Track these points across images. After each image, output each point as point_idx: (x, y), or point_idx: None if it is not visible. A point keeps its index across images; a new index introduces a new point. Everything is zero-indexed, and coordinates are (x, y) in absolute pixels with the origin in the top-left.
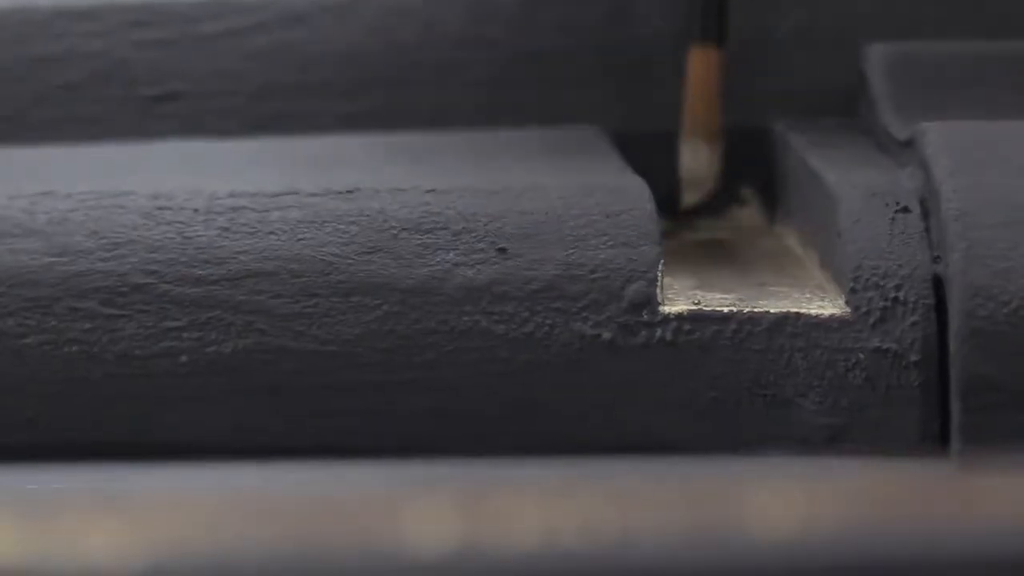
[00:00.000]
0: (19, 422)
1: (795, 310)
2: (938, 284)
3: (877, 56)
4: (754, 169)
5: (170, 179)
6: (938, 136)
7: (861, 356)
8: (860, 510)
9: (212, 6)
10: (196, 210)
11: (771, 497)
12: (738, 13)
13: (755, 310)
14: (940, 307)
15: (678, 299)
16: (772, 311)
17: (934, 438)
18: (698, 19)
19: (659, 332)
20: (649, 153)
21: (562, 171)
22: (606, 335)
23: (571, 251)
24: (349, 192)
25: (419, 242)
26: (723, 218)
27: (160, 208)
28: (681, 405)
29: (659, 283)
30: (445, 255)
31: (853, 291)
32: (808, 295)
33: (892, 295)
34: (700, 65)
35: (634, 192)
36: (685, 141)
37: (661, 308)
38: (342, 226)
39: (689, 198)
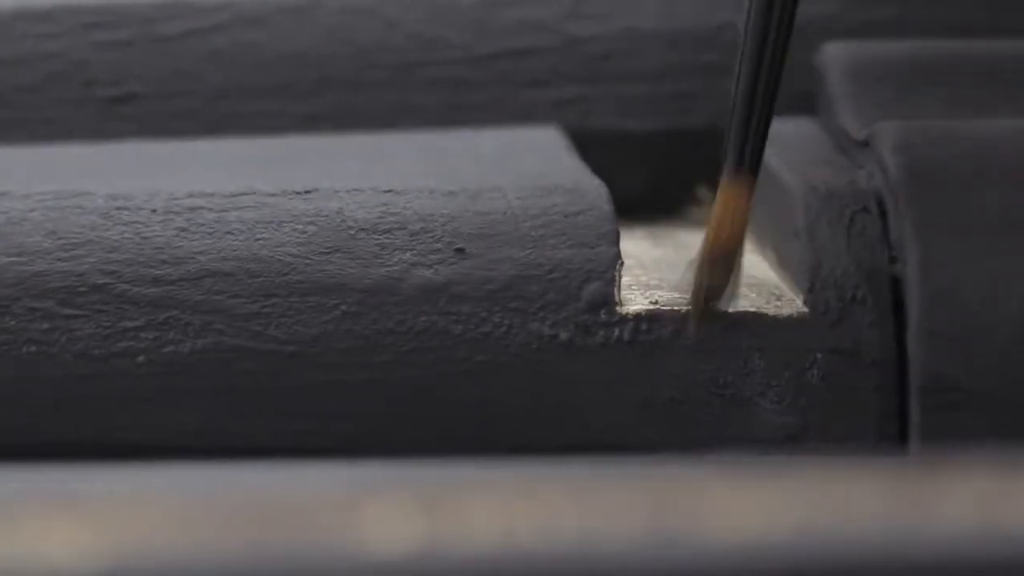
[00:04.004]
0: None
1: (753, 310)
2: (896, 284)
3: (834, 55)
4: (712, 169)
5: (128, 180)
6: (896, 136)
7: (819, 356)
8: (818, 509)
9: (170, 7)
10: (154, 210)
11: (730, 496)
12: (694, 12)
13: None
14: (898, 307)
15: (636, 299)
16: (730, 311)
17: (892, 438)
18: (740, 150)
19: (617, 332)
20: (608, 153)
21: (520, 171)
22: (564, 335)
23: (529, 251)
24: (307, 192)
25: (377, 242)
26: (681, 218)
27: (118, 208)
28: (639, 405)
29: (617, 283)
30: (403, 255)
31: (811, 291)
32: (766, 295)
33: (850, 295)
34: (736, 196)
35: (592, 193)
36: (699, 267)
37: (619, 308)
38: (300, 226)
39: (698, 323)
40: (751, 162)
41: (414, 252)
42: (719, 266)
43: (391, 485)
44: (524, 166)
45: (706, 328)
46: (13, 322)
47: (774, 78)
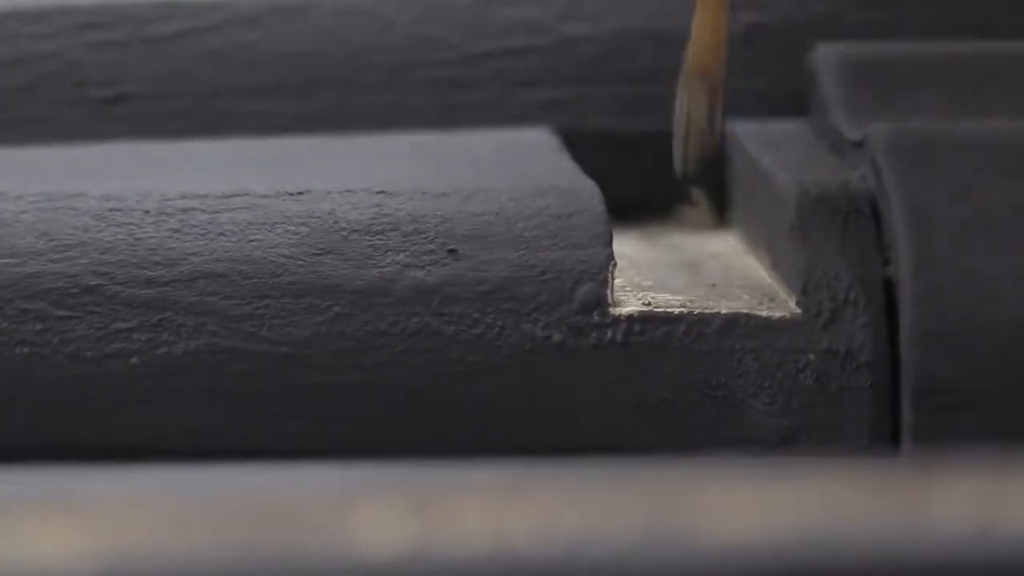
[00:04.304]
0: None
1: (746, 311)
2: (889, 286)
3: (828, 57)
4: (705, 170)
5: (121, 181)
6: (889, 138)
7: (812, 357)
8: (812, 511)
9: (164, 8)
10: (147, 212)
11: (722, 498)
12: (688, 12)
13: (706, 311)
14: (891, 309)
15: (629, 300)
16: (723, 312)
17: (885, 439)
18: None
19: (610, 333)
20: (601, 154)
21: (513, 172)
22: (556, 336)
23: (521, 252)
24: (300, 193)
25: (369, 243)
26: (674, 219)
27: (111, 210)
28: (632, 406)
29: (609, 284)
30: (395, 256)
31: (804, 292)
32: (759, 296)
33: (843, 297)
34: (711, 9)
35: (584, 194)
36: (683, 90)
37: (611, 309)
38: (292, 227)
39: (687, 158)
40: None
41: (407, 253)
42: (704, 86)
43: (384, 486)
44: (517, 167)
45: (698, 162)
46: (5, 323)
47: None
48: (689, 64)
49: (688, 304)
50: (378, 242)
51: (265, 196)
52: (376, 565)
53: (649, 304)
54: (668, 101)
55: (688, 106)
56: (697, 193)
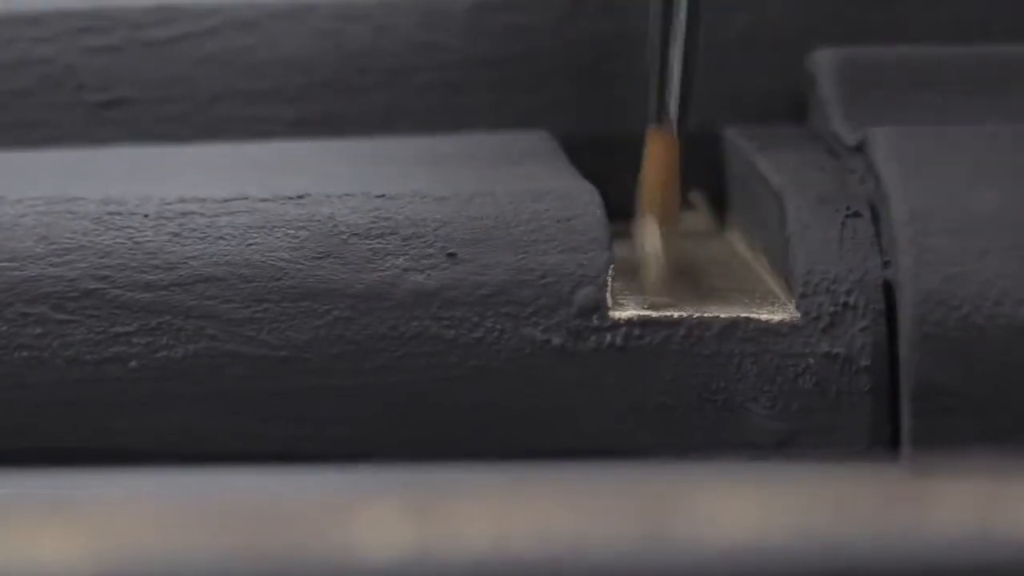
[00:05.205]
0: None
1: (745, 315)
2: (888, 289)
3: (827, 61)
4: (704, 174)
5: (120, 185)
6: (888, 141)
7: (811, 361)
8: (811, 515)
9: (161, 12)
10: (146, 215)
11: (722, 502)
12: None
13: (705, 315)
14: (891, 312)
15: (628, 304)
16: (722, 316)
17: (885, 443)
18: (664, 106)
19: (609, 337)
20: (600, 157)
21: (512, 176)
22: (556, 340)
23: (521, 256)
24: (299, 197)
25: (369, 247)
26: None
27: (110, 213)
28: (631, 410)
29: (609, 288)
30: (395, 260)
31: (803, 296)
32: (758, 300)
33: (842, 300)
34: (660, 148)
35: (583, 197)
36: (641, 230)
37: (611, 313)
38: (292, 231)
39: (652, 286)
40: (674, 113)
41: (406, 257)
42: (659, 224)
43: (384, 490)
44: (516, 171)
45: (657, 288)
46: (5, 327)
47: (688, 27)
48: (642, 205)
49: (687, 308)
50: (377, 246)
51: (264, 200)
52: (375, 568)
53: (648, 308)
54: None
55: (646, 245)
56: (696, 196)
